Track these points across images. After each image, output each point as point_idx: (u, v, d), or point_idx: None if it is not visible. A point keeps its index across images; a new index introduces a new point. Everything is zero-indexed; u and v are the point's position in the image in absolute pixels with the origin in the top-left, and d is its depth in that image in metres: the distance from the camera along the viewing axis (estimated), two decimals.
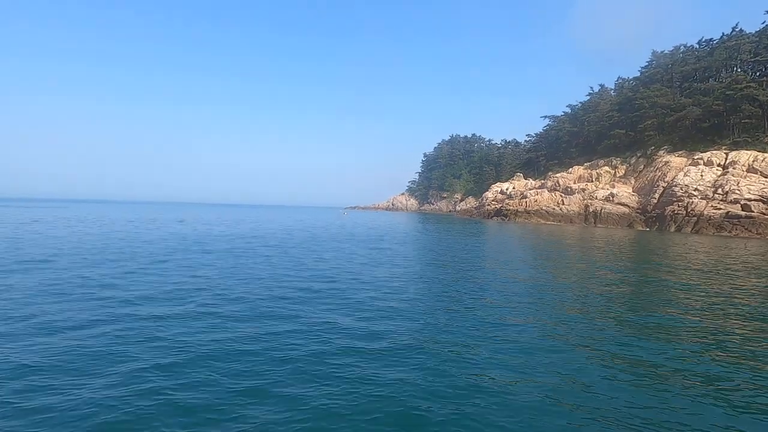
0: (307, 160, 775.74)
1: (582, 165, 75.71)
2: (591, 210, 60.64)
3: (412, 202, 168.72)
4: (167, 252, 17.67)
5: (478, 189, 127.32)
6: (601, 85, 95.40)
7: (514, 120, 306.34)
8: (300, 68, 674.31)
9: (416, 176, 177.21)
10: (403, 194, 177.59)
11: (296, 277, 12.67)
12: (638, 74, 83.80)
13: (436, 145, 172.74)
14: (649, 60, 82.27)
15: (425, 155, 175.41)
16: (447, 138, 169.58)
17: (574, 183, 70.85)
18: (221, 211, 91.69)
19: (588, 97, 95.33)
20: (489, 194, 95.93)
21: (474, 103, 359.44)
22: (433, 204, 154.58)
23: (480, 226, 51.95)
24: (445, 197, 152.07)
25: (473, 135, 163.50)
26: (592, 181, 69.45)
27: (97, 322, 7.48)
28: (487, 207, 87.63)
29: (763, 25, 64.13)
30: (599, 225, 56.93)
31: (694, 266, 17.59)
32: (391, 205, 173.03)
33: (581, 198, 65.16)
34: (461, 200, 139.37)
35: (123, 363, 5.67)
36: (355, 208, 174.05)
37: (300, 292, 10.60)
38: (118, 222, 39.19)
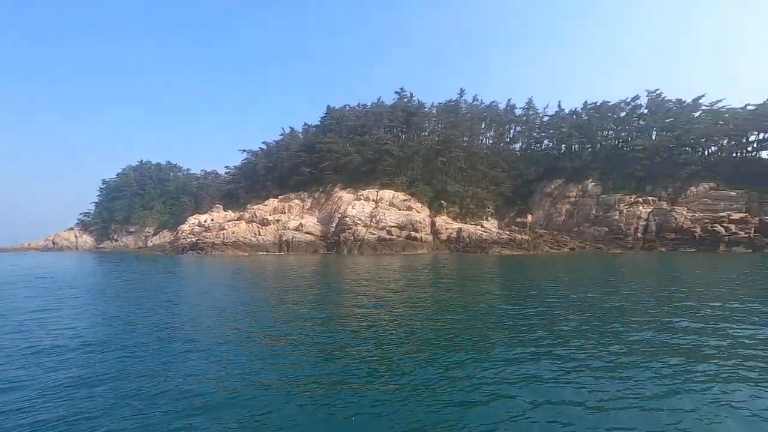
0: None
1: (277, 198, 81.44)
2: (284, 239, 65.41)
3: (86, 239, 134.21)
4: None
5: (175, 222, 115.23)
6: (291, 128, 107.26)
7: (216, 151, 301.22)
8: None
9: (92, 207, 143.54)
10: (71, 230, 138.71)
11: None
12: (318, 123, 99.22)
13: (120, 171, 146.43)
14: (326, 112, 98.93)
15: (105, 182, 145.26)
16: (134, 164, 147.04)
17: (270, 215, 74.97)
18: None
19: (281, 137, 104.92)
20: (185, 227, 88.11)
21: (173, 131, 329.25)
22: (117, 240, 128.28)
23: (159, 264, 45.49)
24: (132, 231, 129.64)
25: (168, 163, 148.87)
26: (285, 213, 75.49)
27: None
28: (182, 241, 79.87)
29: (394, 101, 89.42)
30: (291, 252, 61.93)
31: (358, 277, 20.91)
32: (51, 245, 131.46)
33: (276, 228, 69.43)
34: (154, 234, 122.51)
35: None
36: None
37: None
38: None
